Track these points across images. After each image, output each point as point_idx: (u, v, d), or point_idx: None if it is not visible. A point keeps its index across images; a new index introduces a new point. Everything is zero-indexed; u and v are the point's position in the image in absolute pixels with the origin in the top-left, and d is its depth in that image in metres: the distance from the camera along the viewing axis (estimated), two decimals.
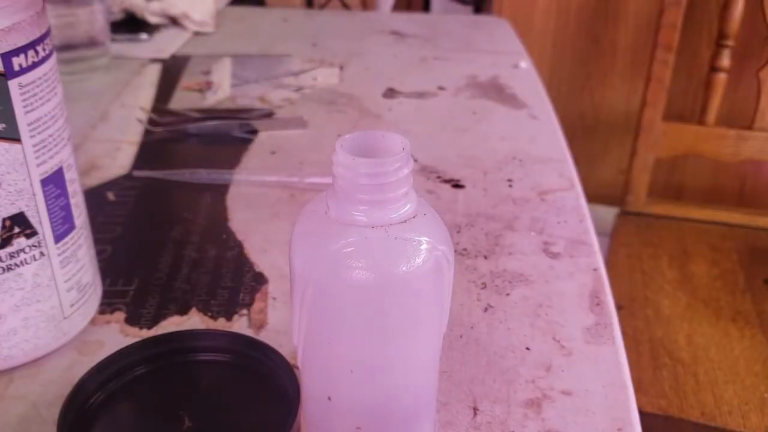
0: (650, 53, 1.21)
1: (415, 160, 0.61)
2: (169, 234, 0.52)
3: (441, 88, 0.78)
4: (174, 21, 0.95)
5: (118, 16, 0.93)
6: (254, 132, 0.67)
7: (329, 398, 0.29)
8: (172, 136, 0.67)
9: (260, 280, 0.47)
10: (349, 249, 0.26)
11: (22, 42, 0.34)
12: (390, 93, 0.77)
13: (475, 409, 0.37)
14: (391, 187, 0.26)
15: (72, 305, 0.40)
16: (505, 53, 0.89)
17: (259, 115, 0.71)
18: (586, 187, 0.60)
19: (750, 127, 1.20)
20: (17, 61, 0.34)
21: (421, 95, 0.76)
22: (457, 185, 0.59)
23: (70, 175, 0.38)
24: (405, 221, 0.26)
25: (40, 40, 0.35)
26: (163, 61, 0.85)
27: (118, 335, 0.42)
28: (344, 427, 0.29)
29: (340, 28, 0.98)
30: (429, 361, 0.29)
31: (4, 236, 0.35)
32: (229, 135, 0.67)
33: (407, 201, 0.27)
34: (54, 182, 0.37)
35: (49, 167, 0.36)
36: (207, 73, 0.81)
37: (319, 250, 0.26)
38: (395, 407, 0.29)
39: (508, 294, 0.46)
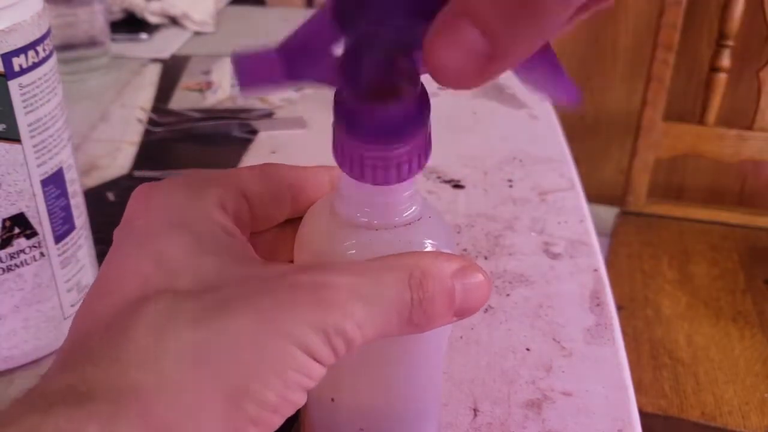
0: (650, 53, 1.21)
1: None
2: None
3: (441, 88, 0.78)
4: (174, 21, 0.95)
5: (118, 15, 0.93)
6: (254, 132, 0.67)
7: (332, 399, 0.28)
8: (172, 136, 0.67)
9: None
10: (353, 251, 0.26)
11: (22, 42, 0.34)
12: None
13: (475, 410, 0.37)
14: (395, 189, 0.26)
15: (72, 306, 0.40)
16: None
17: (259, 115, 0.71)
18: (587, 187, 0.60)
19: (750, 127, 1.20)
20: (17, 62, 0.33)
21: None
22: (457, 185, 0.59)
23: (70, 176, 0.38)
24: (410, 223, 0.26)
25: (40, 40, 0.35)
26: (163, 61, 0.85)
27: None
28: (348, 429, 0.29)
29: None
30: (433, 362, 0.29)
31: (4, 237, 0.35)
32: (229, 135, 0.67)
33: (412, 203, 0.26)
34: (54, 183, 0.37)
35: (49, 168, 0.36)
36: (207, 73, 0.81)
37: (323, 252, 0.26)
38: (399, 408, 0.29)
39: (508, 294, 0.46)
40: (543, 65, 0.20)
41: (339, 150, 0.25)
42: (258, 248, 0.26)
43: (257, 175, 0.27)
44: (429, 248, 0.26)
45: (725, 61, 1.19)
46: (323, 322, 0.21)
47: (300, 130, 0.68)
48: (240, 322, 0.21)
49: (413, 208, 0.26)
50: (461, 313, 0.24)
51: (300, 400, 0.22)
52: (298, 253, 0.27)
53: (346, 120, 0.24)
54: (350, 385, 0.28)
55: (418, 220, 0.26)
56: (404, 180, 0.24)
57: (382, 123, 0.23)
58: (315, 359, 0.21)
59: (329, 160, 0.27)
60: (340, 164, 0.25)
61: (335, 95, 0.24)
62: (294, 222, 0.28)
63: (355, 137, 0.24)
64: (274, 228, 0.28)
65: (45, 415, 0.19)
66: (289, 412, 0.22)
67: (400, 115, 0.23)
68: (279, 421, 0.21)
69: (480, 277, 0.24)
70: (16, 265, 0.36)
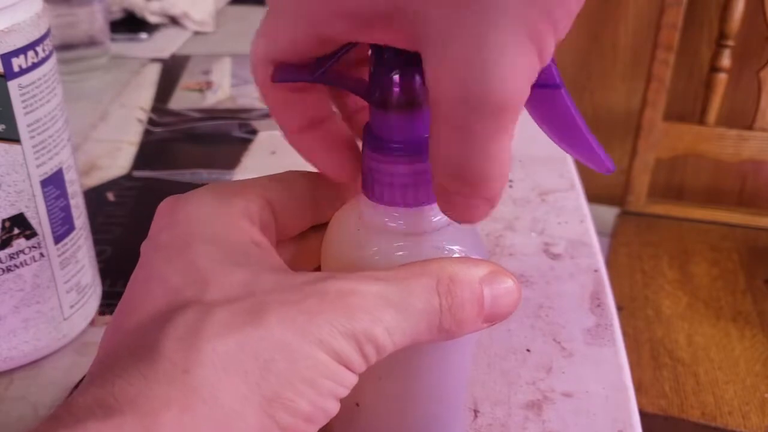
0: (650, 53, 1.21)
1: None
2: None
3: None
4: (174, 20, 0.95)
5: (118, 15, 0.93)
6: (254, 132, 0.67)
7: (357, 404, 0.28)
8: (172, 136, 0.67)
9: None
10: (381, 257, 0.25)
11: (21, 43, 0.34)
12: None
13: (475, 411, 0.37)
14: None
15: (72, 306, 0.40)
16: None
17: (259, 115, 0.71)
18: (587, 187, 0.60)
19: (750, 127, 1.20)
20: (17, 62, 0.33)
21: None
22: None
23: (70, 176, 0.38)
24: (438, 229, 0.26)
25: (39, 40, 0.35)
26: (163, 60, 0.85)
27: None
28: None
29: None
30: (460, 368, 0.29)
31: (4, 237, 0.35)
32: (229, 135, 0.67)
33: None
34: (54, 183, 0.37)
35: (48, 168, 0.36)
36: (207, 73, 0.81)
37: (351, 258, 0.26)
38: (425, 414, 0.29)
39: None
40: (577, 142, 0.23)
41: (368, 176, 0.25)
42: (284, 256, 0.25)
43: (281, 183, 0.27)
44: (457, 254, 0.26)
45: (725, 61, 1.19)
46: (354, 329, 0.21)
47: None
48: (270, 331, 0.20)
49: (441, 214, 0.26)
50: (491, 319, 0.24)
51: (332, 408, 0.22)
52: (325, 259, 0.27)
53: (373, 137, 0.24)
54: (376, 391, 0.28)
55: (447, 225, 0.26)
56: (434, 201, 0.24)
57: (410, 134, 0.23)
58: (346, 366, 0.21)
59: None
60: (371, 193, 0.25)
61: (366, 126, 0.25)
62: (318, 229, 0.28)
63: (382, 152, 0.24)
64: (299, 235, 0.28)
65: (73, 430, 0.19)
66: (323, 421, 0.21)
67: (425, 125, 0.23)
68: (312, 431, 0.21)
69: (509, 282, 0.24)
70: (16, 266, 0.36)
